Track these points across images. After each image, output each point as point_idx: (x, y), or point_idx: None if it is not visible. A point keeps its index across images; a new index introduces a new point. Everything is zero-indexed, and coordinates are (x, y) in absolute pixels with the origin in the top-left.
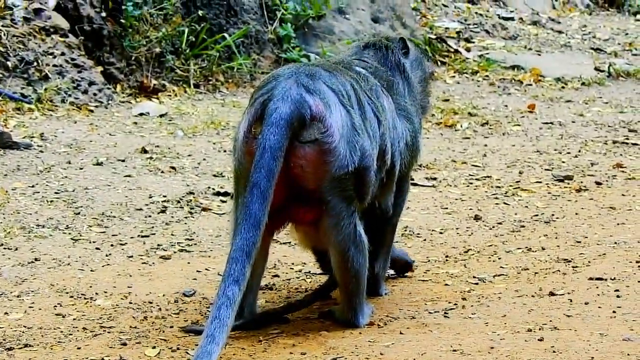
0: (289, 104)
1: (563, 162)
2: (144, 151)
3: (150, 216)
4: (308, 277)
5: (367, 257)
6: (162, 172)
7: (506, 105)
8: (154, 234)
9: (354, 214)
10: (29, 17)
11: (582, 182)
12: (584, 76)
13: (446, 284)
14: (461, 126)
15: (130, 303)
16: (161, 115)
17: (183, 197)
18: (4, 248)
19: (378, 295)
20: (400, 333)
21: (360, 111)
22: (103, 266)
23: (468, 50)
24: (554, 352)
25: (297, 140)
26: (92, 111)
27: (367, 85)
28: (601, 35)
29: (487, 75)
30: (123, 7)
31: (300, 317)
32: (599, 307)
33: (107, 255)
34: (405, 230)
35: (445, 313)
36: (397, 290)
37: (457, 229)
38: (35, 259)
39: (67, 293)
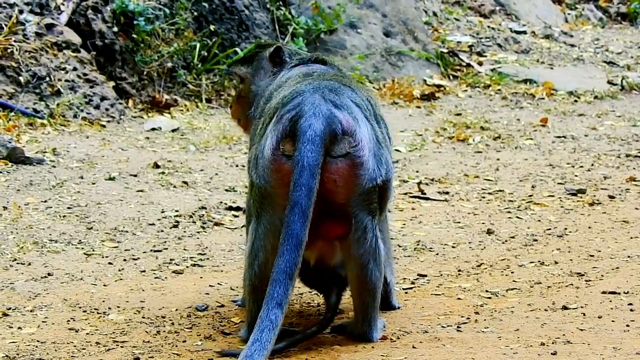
0: (322, 120)
1: (576, 175)
2: (156, 166)
3: (162, 231)
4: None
5: (383, 271)
6: (175, 186)
7: (518, 119)
8: (166, 248)
9: (376, 227)
10: (41, 32)
11: (595, 195)
12: (597, 90)
13: (459, 298)
14: (473, 140)
15: (143, 318)
16: (173, 130)
17: (195, 211)
18: (17, 263)
19: (392, 307)
20: (413, 347)
21: (379, 125)
22: (116, 281)
23: (480, 64)
24: None
25: (328, 156)
26: (104, 126)
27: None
28: (614, 49)
29: (499, 89)
30: (135, 22)
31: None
32: (612, 321)
33: (119, 270)
34: (418, 245)
35: (458, 327)
36: (409, 304)
37: (469, 243)
38: (48, 274)
39: (80, 308)
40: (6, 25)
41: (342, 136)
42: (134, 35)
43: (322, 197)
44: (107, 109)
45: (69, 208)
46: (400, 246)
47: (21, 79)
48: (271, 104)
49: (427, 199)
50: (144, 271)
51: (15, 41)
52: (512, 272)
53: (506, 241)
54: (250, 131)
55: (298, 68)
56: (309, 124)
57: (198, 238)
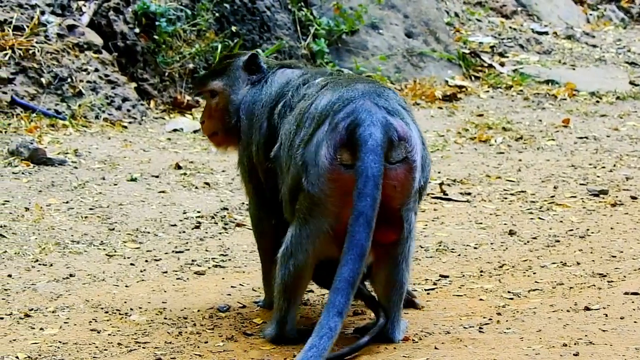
0: (380, 129)
1: (598, 176)
2: (178, 167)
3: (184, 232)
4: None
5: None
6: (196, 187)
7: (540, 120)
8: (188, 249)
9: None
10: (63, 33)
11: (617, 196)
12: (619, 90)
13: (481, 299)
14: (495, 141)
15: (165, 318)
16: (195, 131)
17: (217, 212)
18: (40, 264)
19: (415, 306)
20: (435, 348)
21: (415, 125)
22: (138, 282)
23: (502, 64)
24: None
25: (387, 162)
26: (125, 127)
27: None
28: (636, 49)
29: (521, 90)
30: (156, 23)
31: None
32: (635, 322)
33: (141, 271)
34: (440, 245)
35: (480, 328)
36: (431, 305)
37: (491, 244)
38: (70, 275)
39: (102, 309)
40: (28, 26)
41: (399, 142)
42: (156, 36)
43: (380, 204)
44: (128, 110)
45: (90, 209)
46: (422, 247)
47: (43, 80)
48: (299, 107)
49: (449, 199)
50: (166, 272)
51: (37, 42)
52: (534, 273)
53: (528, 242)
54: (242, 140)
55: (290, 71)
56: (369, 133)
57: (220, 239)
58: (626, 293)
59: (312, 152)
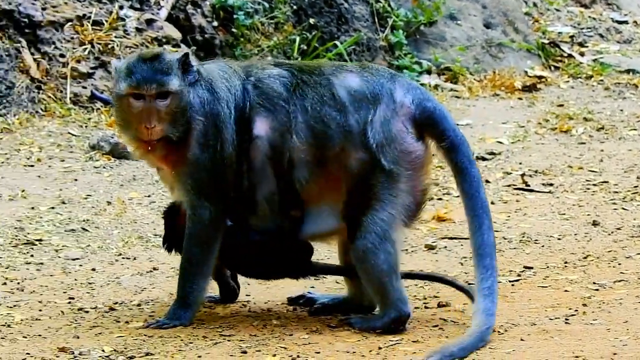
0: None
1: None
2: None
3: None
4: (426, 284)
5: None
6: None
7: (622, 110)
8: None
9: None
10: (141, 27)
11: None
12: None
13: (566, 290)
14: (576, 131)
15: (250, 311)
16: None
17: None
18: (123, 257)
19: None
20: (521, 340)
21: None
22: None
23: (582, 54)
24: None
25: None
26: None
27: None
28: None
29: (601, 80)
30: (234, 16)
31: (420, 323)
32: None
33: None
34: (523, 237)
35: (566, 319)
36: (516, 296)
37: (575, 234)
38: (154, 268)
39: None
40: (106, 21)
41: None
42: (234, 30)
43: None
44: None
45: None
46: (505, 238)
47: None
48: (311, 95)
49: (531, 190)
50: None
51: (115, 37)
52: (619, 264)
53: (612, 233)
54: (199, 143)
55: (215, 66)
56: (439, 107)
57: None
58: None
59: (384, 130)
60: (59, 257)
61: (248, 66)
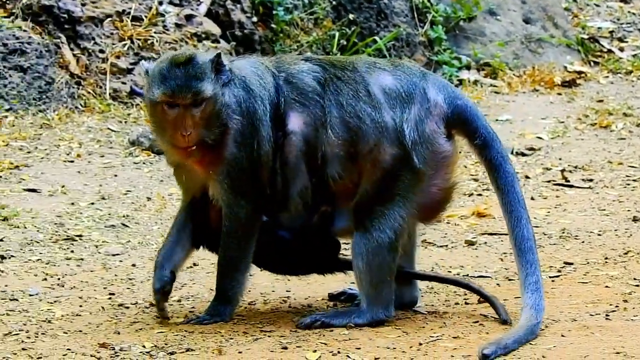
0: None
1: None
2: None
3: None
4: (466, 280)
5: None
6: None
7: None
8: None
9: None
10: (181, 23)
11: None
12: None
13: (606, 286)
14: (616, 127)
15: (290, 307)
16: None
17: None
18: None
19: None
20: (562, 336)
21: None
22: (261, 270)
23: (621, 49)
24: None
25: None
26: None
27: None
28: None
29: None
30: (274, 12)
31: (460, 319)
32: None
33: None
34: (563, 233)
35: (606, 315)
36: (557, 292)
37: (615, 230)
38: (194, 264)
39: None
40: (146, 16)
41: None
42: (273, 25)
43: None
44: None
45: None
46: (545, 234)
47: None
48: (346, 91)
49: (571, 186)
50: None
51: (155, 32)
52: None
53: None
54: (237, 143)
55: (245, 63)
56: (470, 105)
57: None
58: None
59: (418, 130)
60: (99, 252)
61: (277, 61)
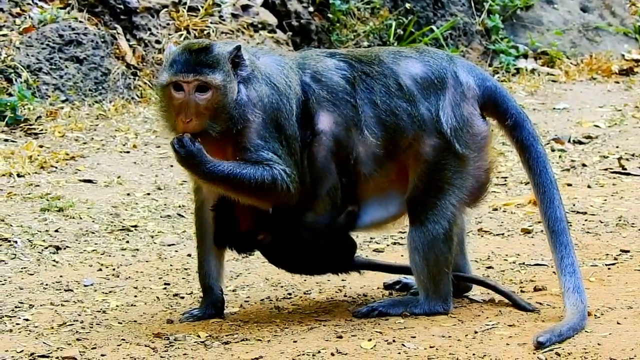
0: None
1: None
2: None
3: None
4: (522, 268)
5: None
6: None
7: None
8: None
9: None
10: (237, 13)
11: None
12: None
13: None
14: None
15: (345, 296)
16: None
17: None
18: None
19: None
20: (618, 323)
21: None
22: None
23: None
24: None
25: None
26: None
27: None
28: None
29: None
30: (330, 1)
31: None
32: None
33: None
34: (620, 220)
35: None
36: (612, 280)
37: None
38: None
39: (282, 287)
40: (202, 7)
41: None
42: (330, 15)
43: None
44: None
45: None
46: (601, 222)
47: None
48: (378, 84)
49: (628, 174)
50: None
51: (211, 23)
52: None
53: None
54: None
55: (268, 59)
56: (498, 86)
57: None
58: None
59: (455, 115)
60: (155, 243)
61: (302, 58)
